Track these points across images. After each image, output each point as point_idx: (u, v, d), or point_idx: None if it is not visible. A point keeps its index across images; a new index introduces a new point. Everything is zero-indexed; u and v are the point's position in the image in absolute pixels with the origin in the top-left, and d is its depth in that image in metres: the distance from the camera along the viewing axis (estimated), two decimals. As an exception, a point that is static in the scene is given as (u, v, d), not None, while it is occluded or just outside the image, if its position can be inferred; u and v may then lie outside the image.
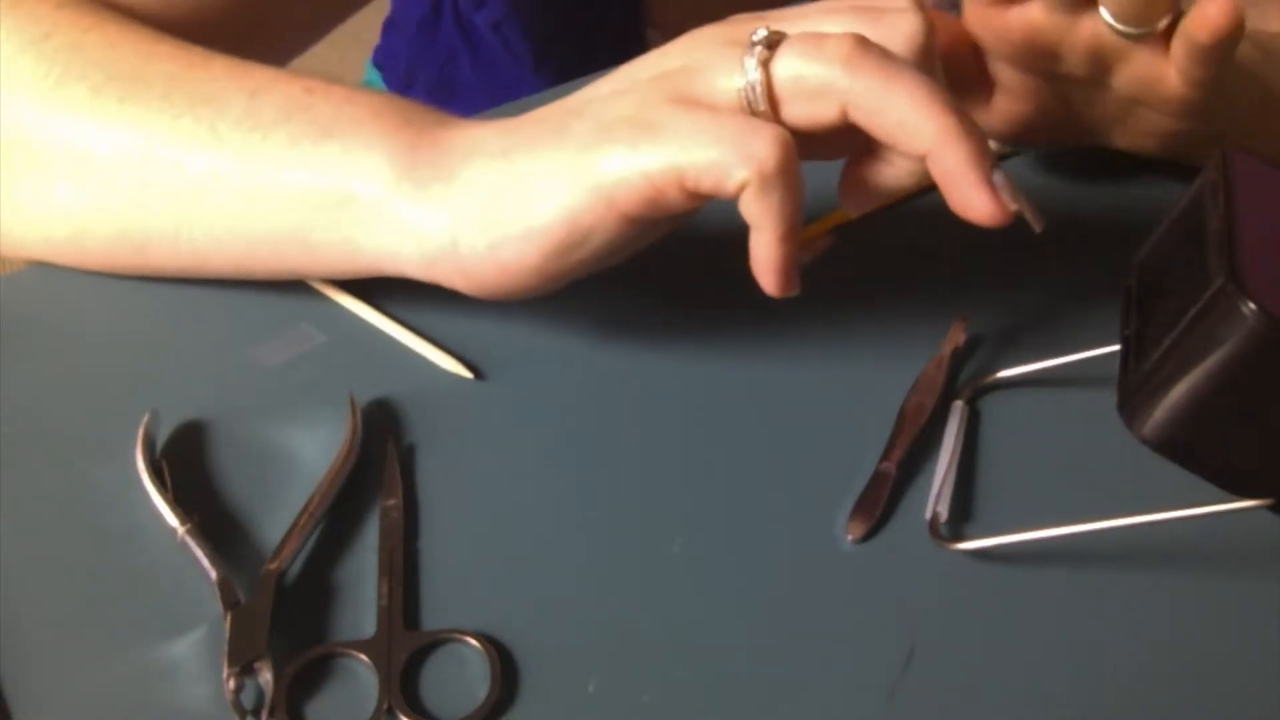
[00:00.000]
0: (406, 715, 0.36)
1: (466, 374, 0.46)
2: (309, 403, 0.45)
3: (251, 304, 0.49)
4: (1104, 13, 0.46)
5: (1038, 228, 0.42)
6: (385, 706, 0.36)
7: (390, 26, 0.92)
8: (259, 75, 0.46)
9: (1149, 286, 0.40)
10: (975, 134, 0.39)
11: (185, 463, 0.43)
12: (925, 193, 0.57)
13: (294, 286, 0.50)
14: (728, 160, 0.38)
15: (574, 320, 0.49)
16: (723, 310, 0.50)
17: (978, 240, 0.53)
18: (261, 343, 0.47)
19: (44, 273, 0.51)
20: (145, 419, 0.42)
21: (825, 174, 0.51)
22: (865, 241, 0.55)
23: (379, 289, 0.50)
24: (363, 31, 0.84)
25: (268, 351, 0.47)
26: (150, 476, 0.41)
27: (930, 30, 0.41)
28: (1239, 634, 0.40)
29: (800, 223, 0.40)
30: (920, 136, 0.39)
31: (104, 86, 0.46)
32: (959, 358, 0.48)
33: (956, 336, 0.48)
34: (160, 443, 0.43)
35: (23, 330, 0.48)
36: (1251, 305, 0.33)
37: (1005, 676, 0.38)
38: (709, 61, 0.41)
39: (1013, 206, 0.39)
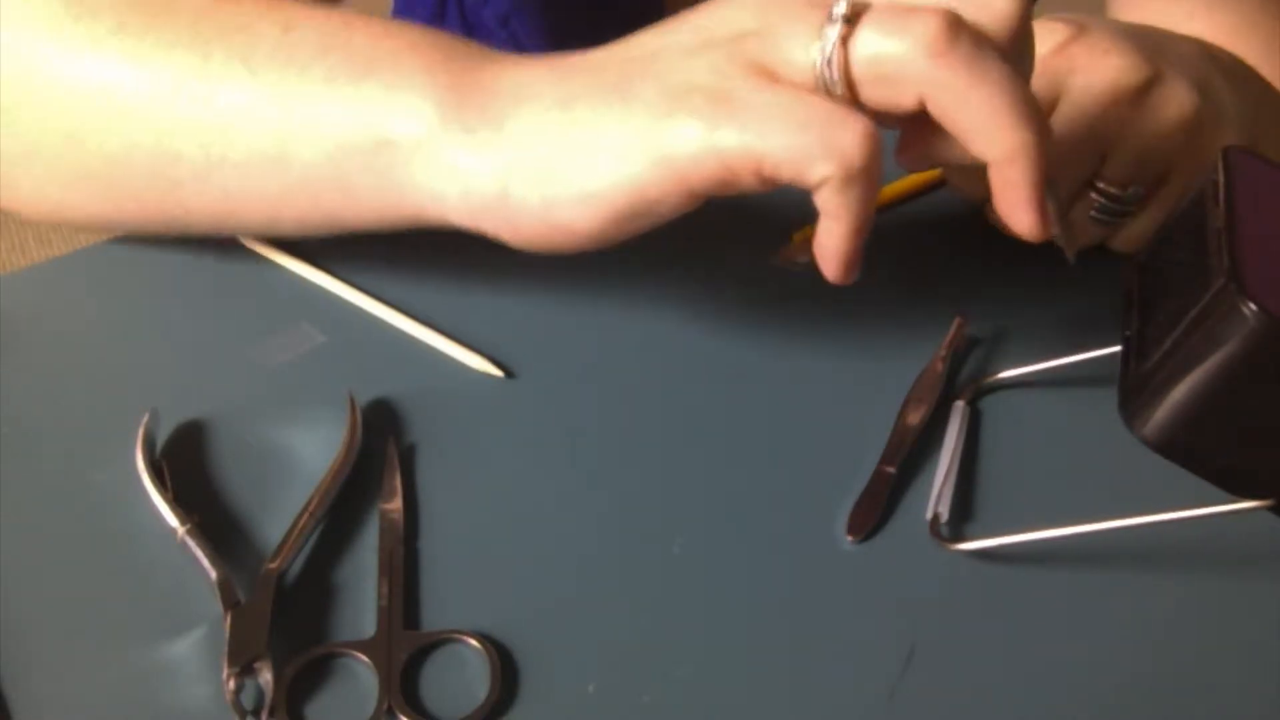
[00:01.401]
0: (406, 715, 0.36)
1: (496, 371, 0.46)
2: (309, 403, 0.45)
3: (251, 304, 0.49)
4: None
5: (1071, 257, 0.42)
6: (385, 706, 0.36)
7: None
8: (291, 7, 0.44)
9: (1150, 287, 0.40)
10: (1044, 155, 0.37)
11: (185, 463, 0.43)
12: (929, 191, 0.58)
13: (294, 286, 0.50)
14: (812, 152, 0.36)
15: (574, 322, 0.49)
16: (722, 310, 0.50)
17: (978, 240, 0.53)
18: (261, 343, 0.47)
19: (44, 272, 0.51)
20: (145, 419, 0.42)
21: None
22: (866, 241, 0.54)
23: (384, 287, 0.50)
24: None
25: (268, 351, 0.47)
26: (150, 476, 0.41)
27: (1027, 11, 0.39)
28: (1239, 634, 0.40)
29: (874, 214, 0.38)
30: (992, 147, 0.37)
31: (128, 19, 0.44)
32: (959, 358, 0.48)
33: (957, 336, 0.48)
34: (160, 443, 0.43)
35: (23, 330, 0.48)
36: (1252, 305, 0.33)
37: (1005, 676, 0.38)
38: (787, 28, 0.38)
39: (1054, 230, 0.39)
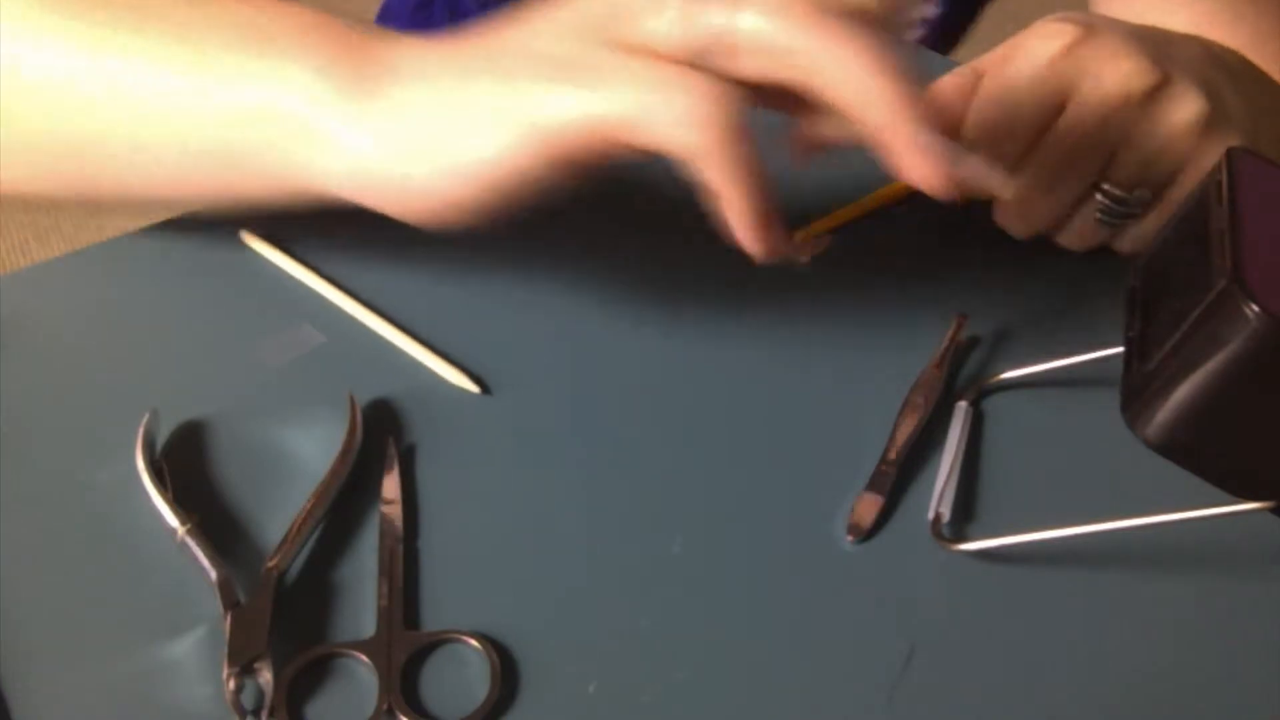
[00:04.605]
0: (406, 715, 0.36)
1: (473, 388, 0.46)
2: (309, 403, 0.45)
3: (251, 304, 0.49)
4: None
5: (1006, 194, 0.42)
6: (385, 706, 0.36)
7: (386, 14, 0.93)
8: None
9: (1153, 287, 0.40)
10: (920, 104, 0.38)
11: (185, 463, 0.43)
12: (923, 192, 0.57)
13: (294, 287, 0.50)
14: (673, 116, 0.37)
15: (574, 321, 0.49)
16: (722, 311, 0.50)
17: (978, 240, 0.53)
18: (261, 343, 0.47)
19: (44, 272, 0.51)
20: (145, 419, 0.42)
21: (823, 174, 0.51)
22: (865, 241, 0.55)
23: (384, 290, 0.50)
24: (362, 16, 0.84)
25: (268, 351, 0.47)
26: (150, 476, 0.41)
27: None
28: (1239, 635, 0.39)
29: (766, 176, 0.39)
30: (869, 105, 0.38)
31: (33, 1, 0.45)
32: (959, 357, 0.48)
33: (956, 337, 0.48)
34: (160, 443, 0.43)
35: (23, 330, 0.48)
36: (1254, 307, 0.33)
37: (1005, 676, 0.38)
38: (638, 3, 0.39)
39: (963, 173, 0.39)
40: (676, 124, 0.37)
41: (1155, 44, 0.48)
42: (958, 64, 0.52)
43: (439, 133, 0.40)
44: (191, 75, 0.43)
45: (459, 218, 0.41)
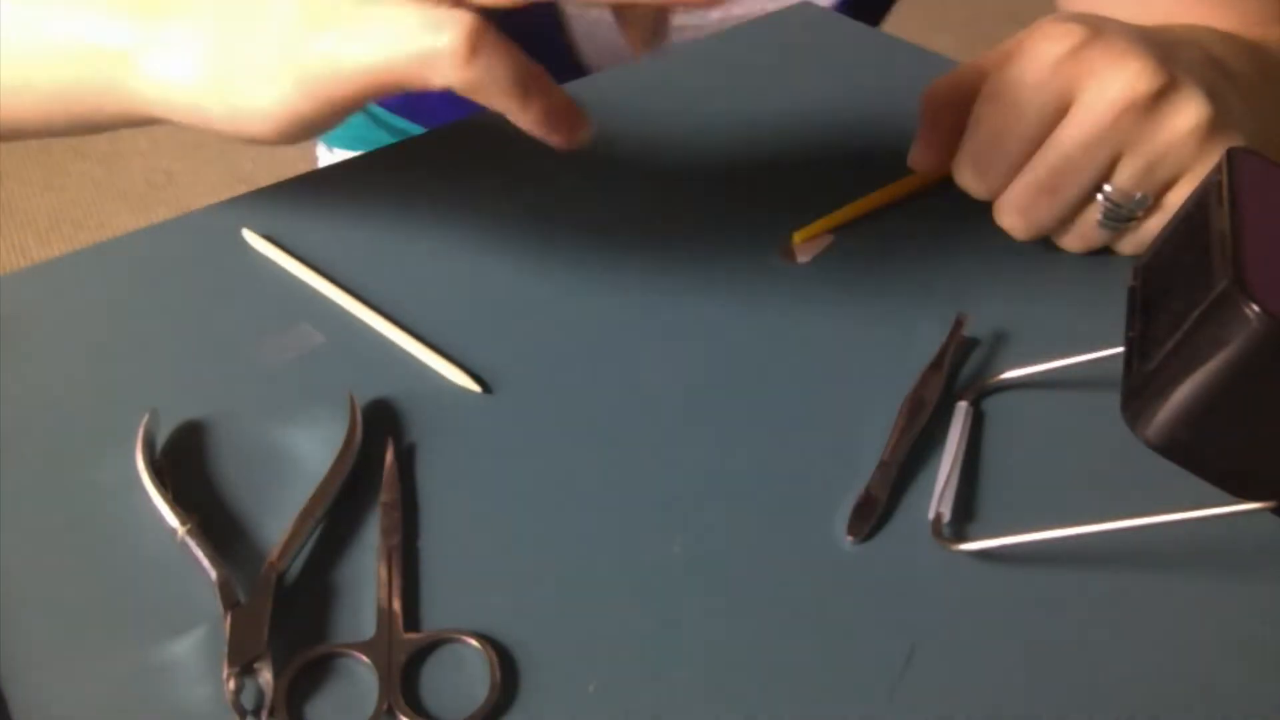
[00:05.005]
0: (406, 715, 0.36)
1: (474, 386, 0.46)
2: (309, 403, 0.45)
3: (252, 304, 0.49)
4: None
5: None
6: (385, 706, 0.36)
7: None
8: None
9: (1153, 287, 0.40)
10: None
11: (185, 463, 0.43)
12: (929, 191, 0.58)
13: (294, 287, 0.50)
14: (420, 59, 0.39)
15: (576, 320, 0.49)
16: (723, 311, 0.50)
17: (978, 240, 0.53)
18: (261, 343, 0.47)
19: (44, 272, 0.51)
20: (145, 419, 0.42)
21: (823, 174, 0.51)
22: (865, 241, 0.55)
23: (384, 290, 0.50)
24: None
25: (268, 351, 0.47)
26: (150, 476, 0.41)
27: None
28: (1240, 634, 0.39)
29: (532, 74, 0.40)
30: None
31: None
32: (959, 358, 0.48)
33: (957, 336, 0.48)
34: (160, 443, 0.43)
35: (23, 330, 0.48)
36: (1255, 307, 0.33)
37: (1005, 676, 0.38)
38: None
39: None
40: (435, 66, 0.39)
41: (1159, 46, 0.47)
42: (957, 63, 0.52)
43: (225, 76, 0.43)
44: (36, 19, 0.46)
45: (264, 142, 0.44)
